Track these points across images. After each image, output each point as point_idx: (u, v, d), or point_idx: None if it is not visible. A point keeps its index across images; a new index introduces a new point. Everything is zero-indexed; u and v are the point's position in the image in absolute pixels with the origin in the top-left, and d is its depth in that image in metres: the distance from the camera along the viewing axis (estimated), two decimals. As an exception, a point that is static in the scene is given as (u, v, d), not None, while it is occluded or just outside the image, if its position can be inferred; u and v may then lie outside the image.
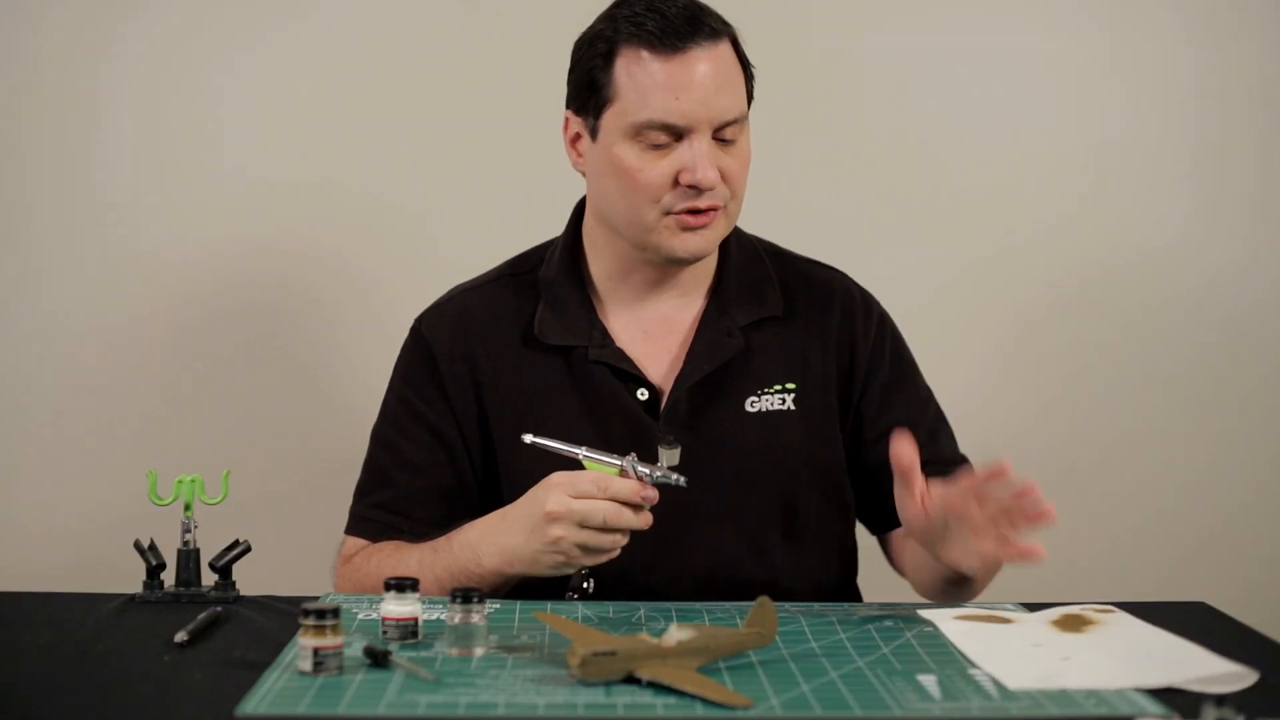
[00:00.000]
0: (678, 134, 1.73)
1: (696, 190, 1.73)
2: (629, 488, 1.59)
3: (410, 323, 1.92)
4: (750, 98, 1.82)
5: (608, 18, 1.78)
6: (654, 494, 1.60)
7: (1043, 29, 2.55)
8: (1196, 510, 2.59)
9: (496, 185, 2.51)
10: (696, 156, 1.72)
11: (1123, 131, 2.56)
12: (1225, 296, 2.57)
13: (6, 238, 2.50)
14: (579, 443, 1.64)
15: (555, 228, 1.92)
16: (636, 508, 1.58)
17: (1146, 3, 2.55)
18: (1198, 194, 2.57)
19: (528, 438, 1.66)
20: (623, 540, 1.60)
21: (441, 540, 1.74)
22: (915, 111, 2.55)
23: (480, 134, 2.51)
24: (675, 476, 1.61)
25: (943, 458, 1.84)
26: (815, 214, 2.51)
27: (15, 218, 2.49)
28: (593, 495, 1.59)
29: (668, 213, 1.75)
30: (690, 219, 1.75)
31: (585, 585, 1.72)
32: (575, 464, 1.62)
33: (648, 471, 1.59)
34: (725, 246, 1.87)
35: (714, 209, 1.75)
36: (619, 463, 1.60)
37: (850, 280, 1.94)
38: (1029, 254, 2.57)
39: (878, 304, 1.93)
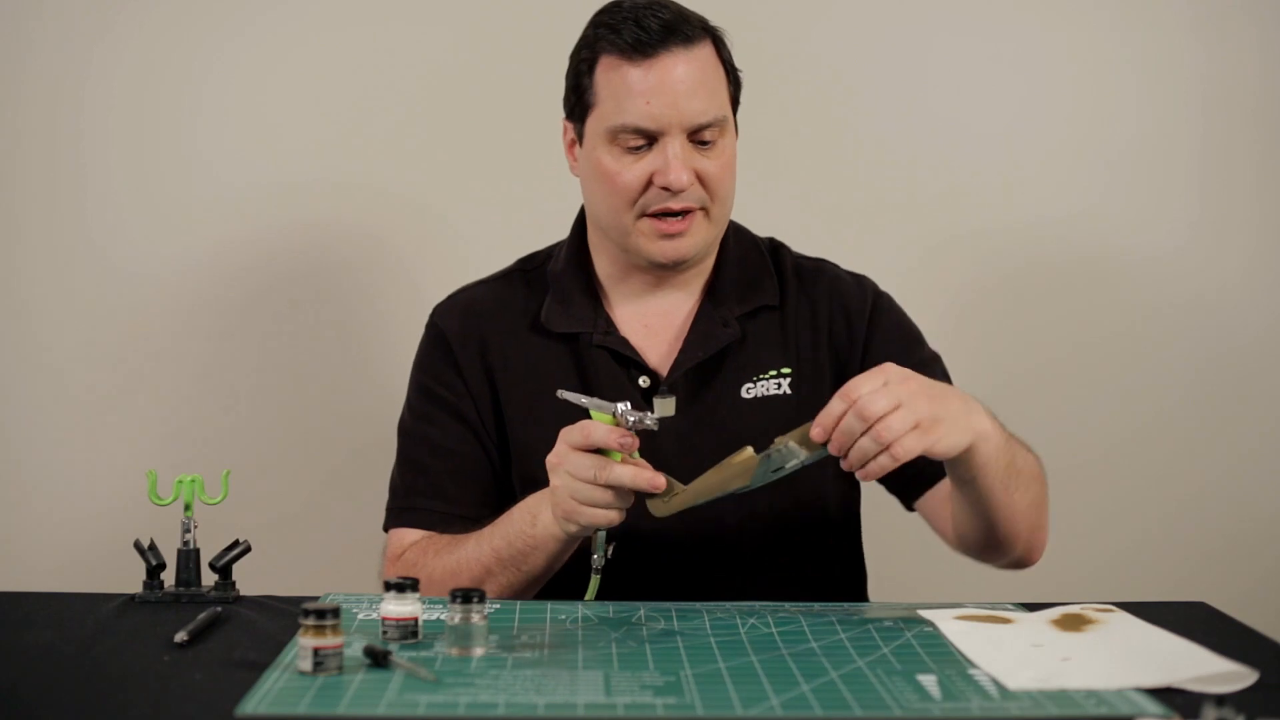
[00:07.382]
0: (651, 137, 1.77)
1: (670, 191, 1.76)
2: (609, 435, 1.58)
3: (412, 324, 1.95)
4: (736, 101, 1.85)
5: (591, 26, 1.83)
6: (632, 441, 1.59)
7: (1046, 31, 2.55)
8: (1197, 511, 2.59)
9: (501, 187, 2.51)
10: (669, 158, 1.76)
11: (1129, 135, 2.55)
12: (1230, 298, 2.57)
13: (3, 238, 2.49)
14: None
15: (567, 229, 1.94)
16: (638, 466, 1.58)
17: (1153, 6, 2.54)
18: (1204, 197, 2.56)
19: (561, 393, 1.66)
20: (623, 502, 1.60)
21: (500, 517, 1.74)
22: (917, 113, 2.55)
23: (488, 135, 2.50)
24: (648, 420, 1.59)
25: None
26: (821, 215, 2.51)
27: (11, 218, 2.49)
28: (580, 445, 1.60)
29: (644, 214, 1.79)
30: (664, 225, 1.79)
31: (606, 551, 1.66)
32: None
33: (633, 417, 1.59)
34: (724, 242, 1.90)
35: (689, 211, 1.78)
36: (612, 408, 1.60)
37: (837, 267, 1.95)
38: (1032, 257, 2.56)
39: (871, 283, 1.94)
